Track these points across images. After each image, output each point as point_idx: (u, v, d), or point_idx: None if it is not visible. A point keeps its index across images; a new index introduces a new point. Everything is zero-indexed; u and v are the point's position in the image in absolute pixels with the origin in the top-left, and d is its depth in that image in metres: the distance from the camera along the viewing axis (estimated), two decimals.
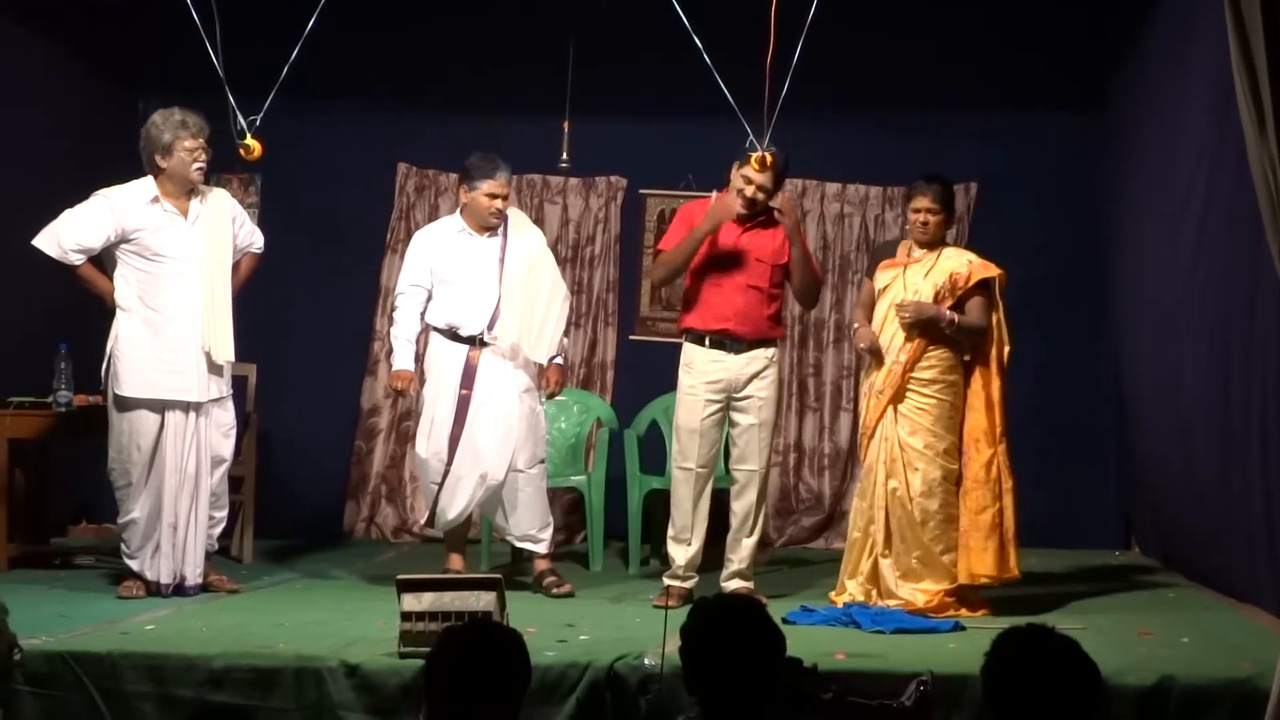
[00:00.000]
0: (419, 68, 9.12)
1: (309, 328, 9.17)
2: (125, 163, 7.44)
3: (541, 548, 7.20)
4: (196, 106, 6.81)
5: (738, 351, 6.83)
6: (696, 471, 6.84)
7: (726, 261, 6.84)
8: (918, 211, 6.72)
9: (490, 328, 7.08)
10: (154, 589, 6.79)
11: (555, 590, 6.99)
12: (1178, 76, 7.65)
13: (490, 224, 7.16)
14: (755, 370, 6.85)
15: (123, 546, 6.89)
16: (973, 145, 9.10)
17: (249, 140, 6.41)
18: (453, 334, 7.14)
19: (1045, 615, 6.33)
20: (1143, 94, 8.40)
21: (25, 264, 7.63)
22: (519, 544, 7.31)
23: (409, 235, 8.85)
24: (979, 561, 6.57)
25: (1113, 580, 7.70)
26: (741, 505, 6.88)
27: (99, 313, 7.09)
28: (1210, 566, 7.28)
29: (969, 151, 9.10)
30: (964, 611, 6.49)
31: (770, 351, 6.91)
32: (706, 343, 6.83)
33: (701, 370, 6.83)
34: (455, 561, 7.23)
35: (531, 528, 7.17)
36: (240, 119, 5.99)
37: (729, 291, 6.83)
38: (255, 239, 7.23)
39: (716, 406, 6.84)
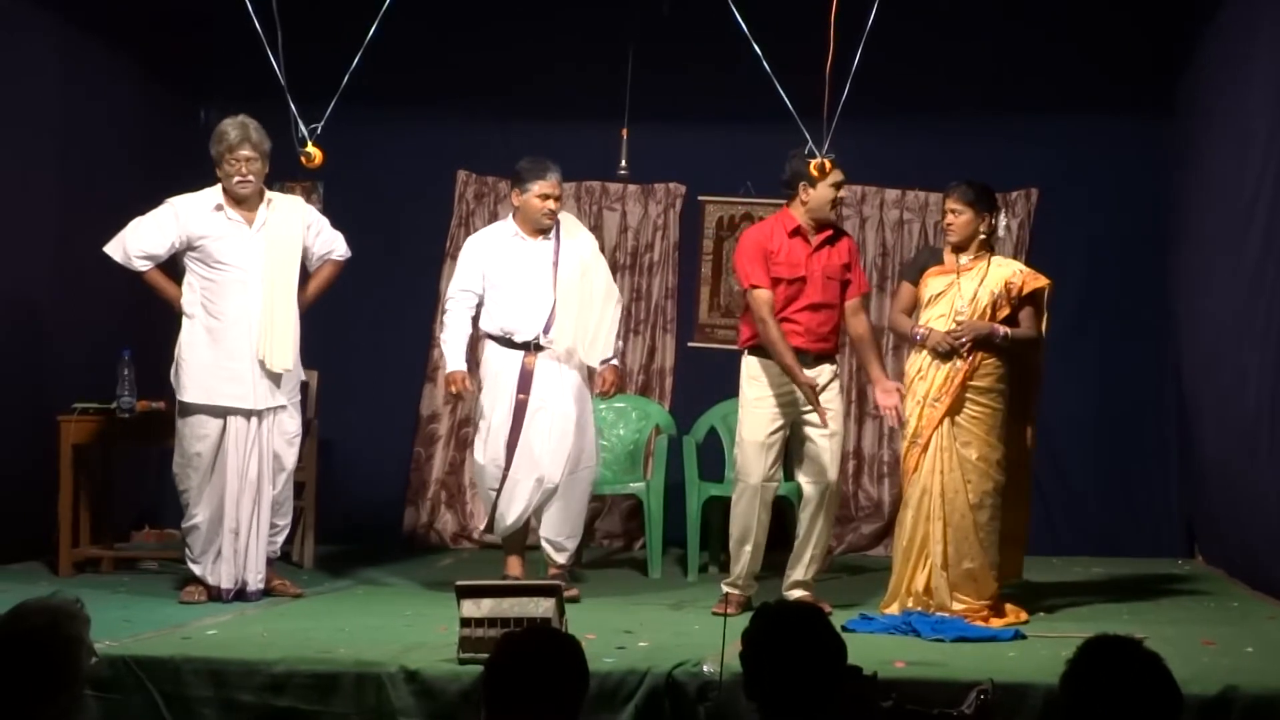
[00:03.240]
0: (479, 75, 9.14)
1: (369, 334, 9.21)
2: (188, 171, 7.50)
3: (562, 558, 7.21)
4: (258, 114, 6.86)
5: (806, 366, 6.78)
6: (760, 484, 6.82)
7: (799, 280, 6.82)
8: (945, 213, 6.76)
9: (546, 331, 7.10)
10: (215, 594, 6.84)
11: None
12: (1243, 81, 7.58)
13: (544, 225, 7.18)
14: (824, 383, 6.81)
15: (186, 551, 6.95)
16: (1035, 151, 9.06)
17: (310, 148, 6.46)
18: (507, 340, 7.16)
19: (1107, 624, 6.26)
20: (1207, 100, 8.33)
21: (88, 271, 7.71)
22: (544, 544, 7.24)
23: None
24: (1008, 566, 6.73)
25: (1175, 589, 7.65)
26: (811, 518, 6.84)
27: (162, 319, 7.15)
28: (1275, 576, 7.20)
29: (1031, 158, 9.07)
30: (995, 620, 6.47)
31: (834, 365, 6.93)
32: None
33: (775, 384, 6.80)
34: (514, 566, 7.25)
35: (560, 534, 7.18)
36: (302, 127, 6.03)
37: (801, 309, 6.81)
38: (336, 246, 7.25)
39: (785, 421, 6.82)
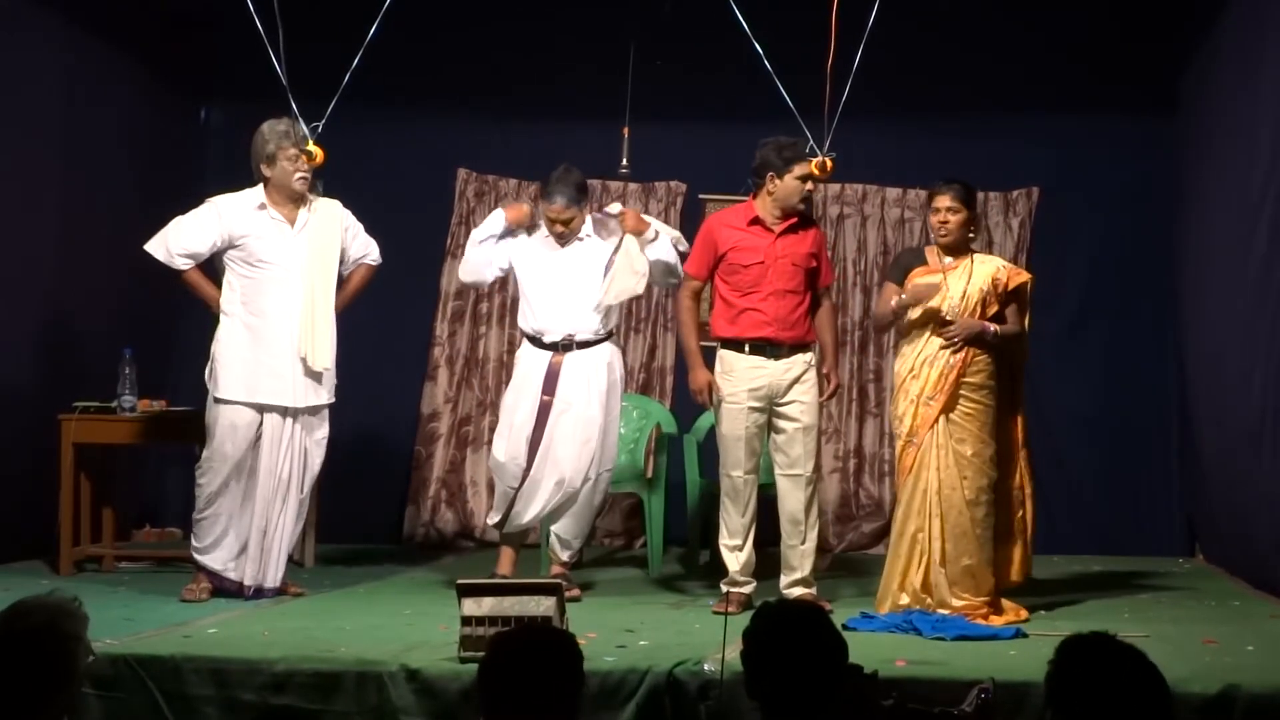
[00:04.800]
0: (479, 74, 9.14)
1: (369, 332, 9.19)
2: (188, 170, 7.51)
3: (566, 555, 7.24)
4: (260, 114, 6.88)
5: (778, 357, 6.81)
6: (744, 478, 6.82)
7: (763, 268, 6.82)
8: (937, 211, 6.71)
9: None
10: (234, 589, 6.86)
11: (565, 594, 6.97)
12: (1249, 79, 7.57)
13: (560, 241, 7.18)
14: (796, 375, 6.82)
15: (193, 539, 6.97)
16: (1035, 151, 9.07)
17: (311, 146, 6.48)
18: (537, 340, 7.18)
19: (1108, 623, 6.25)
20: (1213, 98, 8.33)
21: (90, 269, 7.72)
22: (552, 540, 7.27)
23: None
24: (1010, 567, 6.70)
25: (1176, 587, 7.64)
26: (791, 512, 6.82)
27: (163, 318, 7.16)
28: (1276, 574, 7.20)
29: (1031, 158, 9.08)
30: (995, 619, 6.47)
31: (808, 355, 6.89)
32: (746, 349, 6.82)
33: (743, 378, 6.81)
34: (505, 565, 7.20)
35: (570, 533, 7.20)
36: (303, 125, 6.05)
37: (766, 297, 6.81)
38: (370, 250, 7.26)
39: (759, 414, 6.82)
